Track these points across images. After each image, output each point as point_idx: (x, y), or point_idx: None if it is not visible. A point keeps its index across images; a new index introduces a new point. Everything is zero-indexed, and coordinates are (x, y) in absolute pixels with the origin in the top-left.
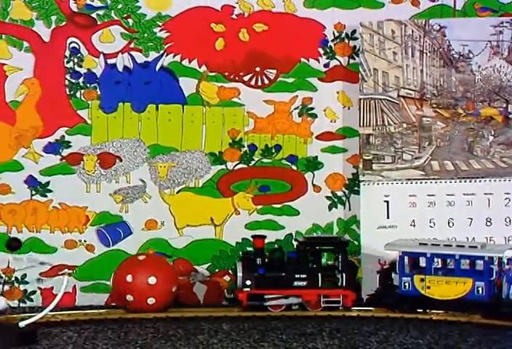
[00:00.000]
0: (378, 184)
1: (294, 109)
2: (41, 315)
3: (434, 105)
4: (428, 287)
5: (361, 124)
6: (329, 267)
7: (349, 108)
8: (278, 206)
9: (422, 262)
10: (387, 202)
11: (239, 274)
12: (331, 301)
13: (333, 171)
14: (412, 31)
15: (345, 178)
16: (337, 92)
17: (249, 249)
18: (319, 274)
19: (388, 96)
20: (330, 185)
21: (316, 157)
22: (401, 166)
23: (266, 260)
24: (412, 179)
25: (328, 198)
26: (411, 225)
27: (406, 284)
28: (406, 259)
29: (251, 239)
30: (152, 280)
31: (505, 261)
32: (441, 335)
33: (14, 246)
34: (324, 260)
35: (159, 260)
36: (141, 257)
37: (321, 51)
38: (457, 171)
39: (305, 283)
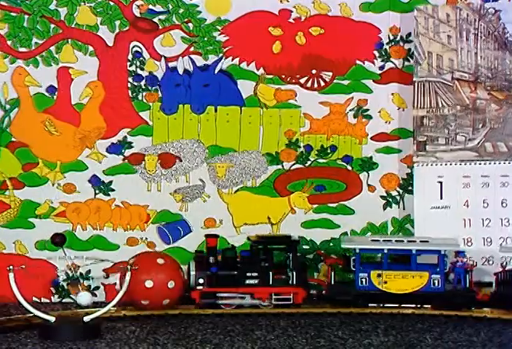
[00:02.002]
0: (432, 165)
1: (350, 110)
2: (105, 310)
3: (488, 88)
4: (385, 282)
5: (415, 106)
6: (281, 265)
7: (403, 110)
8: (334, 205)
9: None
10: (440, 183)
11: (192, 273)
12: (282, 298)
13: (387, 171)
14: (467, 15)
15: (400, 178)
16: (392, 94)
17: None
18: (270, 272)
19: (442, 78)
20: (385, 185)
21: (371, 157)
22: (455, 147)
23: (219, 259)
24: (465, 161)
25: (382, 197)
26: (464, 205)
27: (363, 280)
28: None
29: (307, 238)
30: (171, 284)
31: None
32: (495, 333)
33: (58, 241)
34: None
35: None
36: (160, 261)
37: (377, 53)
38: (511, 152)
39: (256, 281)
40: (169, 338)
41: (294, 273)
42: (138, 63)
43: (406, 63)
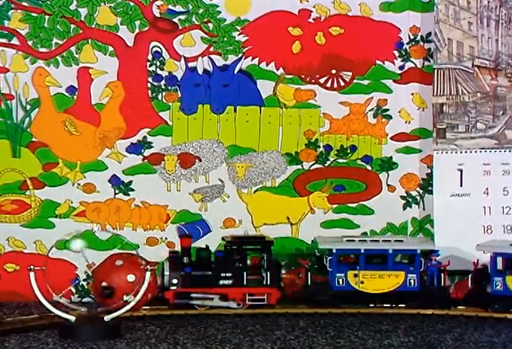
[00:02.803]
0: (452, 153)
1: (370, 110)
2: (125, 309)
3: (509, 75)
4: (362, 282)
5: (435, 93)
6: (255, 266)
7: (423, 110)
8: (353, 205)
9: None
10: (460, 171)
11: (166, 273)
12: (256, 299)
13: (407, 171)
14: (488, 2)
15: (420, 178)
16: (412, 94)
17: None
18: (244, 273)
19: (463, 66)
20: (404, 185)
21: (391, 157)
22: (475, 135)
23: (193, 259)
24: (485, 148)
25: (402, 197)
26: (484, 193)
27: (340, 280)
28: (336, 256)
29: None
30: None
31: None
32: None
33: (106, 293)
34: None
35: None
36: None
37: (396, 53)
38: None
39: (230, 281)
40: (188, 338)
41: (269, 274)
42: (158, 63)
43: (426, 63)
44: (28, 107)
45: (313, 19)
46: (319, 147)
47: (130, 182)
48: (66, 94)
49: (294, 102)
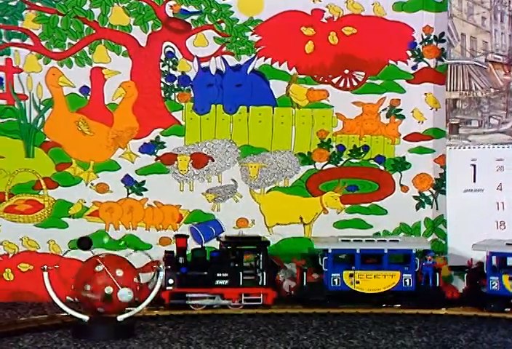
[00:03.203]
0: (465, 148)
1: (382, 110)
2: (138, 309)
3: None
4: (357, 282)
5: (448, 89)
6: (251, 266)
7: (436, 110)
8: (366, 205)
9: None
10: (474, 166)
11: (162, 273)
12: (251, 299)
13: (420, 171)
14: None
15: (433, 178)
16: (425, 94)
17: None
18: (240, 273)
19: (476, 61)
20: (417, 185)
21: (404, 157)
22: (488, 130)
23: (189, 259)
24: (498, 144)
25: (415, 197)
26: (497, 188)
27: (336, 280)
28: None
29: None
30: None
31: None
32: None
33: (84, 245)
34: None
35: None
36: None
37: (410, 53)
38: None
39: (226, 281)
40: (201, 338)
41: (264, 274)
42: (171, 63)
43: (440, 63)
44: (42, 107)
45: (326, 19)
46: (332, 147)
47: (143, 182)
48: (79, 94)
49: (306, 102)
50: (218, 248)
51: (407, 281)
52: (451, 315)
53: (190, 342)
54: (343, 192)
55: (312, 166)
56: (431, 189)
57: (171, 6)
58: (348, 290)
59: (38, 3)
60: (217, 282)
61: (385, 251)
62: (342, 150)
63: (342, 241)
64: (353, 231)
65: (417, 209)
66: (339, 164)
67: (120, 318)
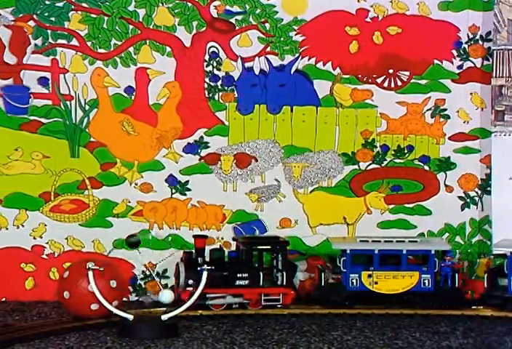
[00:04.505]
0: (510, 135)
1: (427, 110)
2: (183, 309)
3: None
4: (376, 283)
5: (495, 75)
6: (270, 266)
7: (482, 109)
8: (410, 205)
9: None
10: None
11: (182, 274)
12: (271, 299)
13: (466, 171)
14: None
15: (478, 178)
16: (471, 94)
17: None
18: (261, 273)
19: None
20: (463, 185)
21: (449, 157)
22: None
23: (207, 260)
24: None
25: (460, 198)
26: None
27: (354, 281)
28: (351, 256)
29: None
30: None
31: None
32: None
33: (132, 242)
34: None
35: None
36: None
37: (455, 53)
38: None
39: (246, 282)
40: (245, 338)
41: (284, 274)
42: (215, 63)
43: (486, 62)
44: (87, 107)
45: (371, 19)
46: (376, 147)
47: (187, 181)
48: (124, 94)
49: (350, 102)
50: (235, 248)
51: (426, 281)
52: (496, 316)
53: (233, 341)
54: (387, 192)
55: (356, 166)
56: (476, 189)
57: (215, 6)
58: (367, 290)
59: (84, 4)
60: (237, 282)
61: (404, 252)
62: (387, 150)
63: (361, 241)
64: (396, 232)
65: (462, 209)
66: (383, 164)
67: (164, 317)
